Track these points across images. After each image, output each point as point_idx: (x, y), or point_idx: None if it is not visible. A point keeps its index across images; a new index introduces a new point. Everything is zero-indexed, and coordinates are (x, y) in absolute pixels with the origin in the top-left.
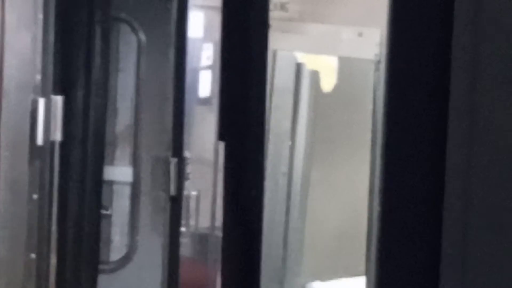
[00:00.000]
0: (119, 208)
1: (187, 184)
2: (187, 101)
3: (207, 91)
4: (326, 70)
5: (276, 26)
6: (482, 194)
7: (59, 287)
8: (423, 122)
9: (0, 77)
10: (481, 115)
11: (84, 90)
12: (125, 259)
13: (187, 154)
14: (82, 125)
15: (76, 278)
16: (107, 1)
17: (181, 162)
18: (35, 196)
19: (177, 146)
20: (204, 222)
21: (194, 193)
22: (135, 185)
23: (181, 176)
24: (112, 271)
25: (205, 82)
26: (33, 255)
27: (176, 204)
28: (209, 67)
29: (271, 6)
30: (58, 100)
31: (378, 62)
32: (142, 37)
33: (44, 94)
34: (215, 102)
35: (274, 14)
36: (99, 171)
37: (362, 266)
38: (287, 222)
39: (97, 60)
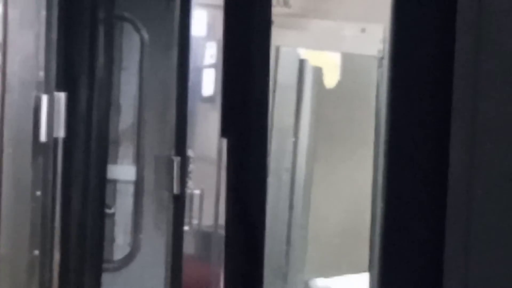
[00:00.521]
0: (122, 206)
1: (190, 182)
2: (190, 99)
3: (211, 90)
4: (329, 67)
5: (278, 22)
6: (485, 191)
7: (63, 284)
8: (426, 119)
9: (3, 74)
10: (484, 112)
11: (87, 86)
12: (129, 258)
13: (190, 152)
14: (82, 126)
15: (80, 277)
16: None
17: (184, 161)
18: (38, 193)
19: (180, 145)
20: (207, 221)
21: (197, 191)
22: (138, 184)
23: (184, 174)
24: (115, 269)
25: (208, 81)
26: (36, 252)
27: (179, 202)
28: (212, 66)
29: (274, 2)
30: (61, 97)
31: (381, 58)
32: (145, 35)
33: (47, 90)
34: (219, 101)
35: (276, 10)
36: (102, 169)
37: (365, 262)
38: (290, 218)
39: (99, 59)
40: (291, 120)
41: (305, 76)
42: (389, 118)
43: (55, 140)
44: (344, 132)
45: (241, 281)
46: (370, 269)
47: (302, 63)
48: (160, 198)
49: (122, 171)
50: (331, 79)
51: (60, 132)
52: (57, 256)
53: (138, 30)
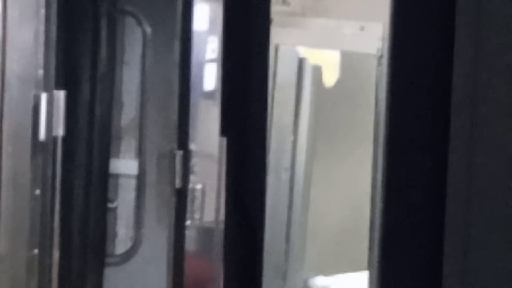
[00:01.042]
0: (124, 201)
1: (192, 177)
2: (192, 94)
3: (212, 84)
4: (329, 65)
5: (278, 20)
6: (484, 188)
7: (62, 282)
8: (425, 117)
9: (2, 72)
10: (484, 110)
11: (87, 84)
12: (131, 252)
13: (192, 147)
14: (85, 120)
15: (82, 271)
16: None
17: (187, 155)
18: (37, 192)
19: (182, 139)
20: (209, 215)
21: (199, 186)
22: (141, 178)
23: (186, 169)
24: (117, 264)
25: (210, 75)
26: (35, 251)
27: (181, 197)
28: (214, 60)
29: (273, 1)
30: (61, 95)
31: (381, 56)
32: (148, 29)
33: (46, 89)
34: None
35: (276, 9)
36: (104, 166)
37: (364, 260)
38: (289, 217)
39: (101, 53)
40: (290, 118)
41: (304, 75)
42: (388, 116)
43: (54, 139)
44: (343, 130)
45: (241, 280)
46: (369, 267)
47: (301, 61)
48: (162, 192)
49: (124, 165)
50: (330, 78)
51: (59, 131)
52: (56, 255)
53: (140, 24)
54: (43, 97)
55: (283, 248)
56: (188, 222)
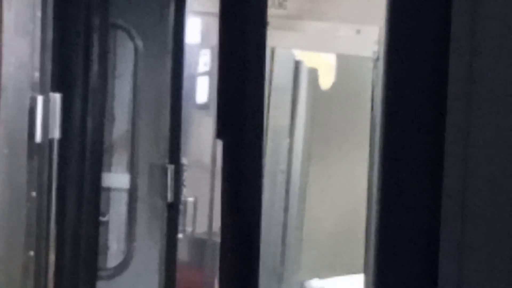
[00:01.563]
0: (116, 214)
1: (184, 190)
2: (184, 107)
3: (204, 97)
4: (325, 68)
5: (274, 23)
6: (480, 192)
7: (58, 285)
8: (421, 119)
9: None
10: (479, 112)
11: (82, 87)
12: (122, 266)
13: (184, 160)
14: (76, 133)
15: (75, 284)
16: (105, 7)
17: (178, 169)
18: (33, 194)
19: (174, 153)
20: (201, 228)
21: (191, 199)
22: (132, 192)
23: (178, 182)
24: (109, 277)
25: (202, 88)
26: (31, 253)
27: (173, 210)
28: (206, 73)
29: (269, 4)
30: (57, 98)
31: (376, 59)
32: (139, 43)
33: (43, 91)
34: (212, 108)
35: (272, 12)
36: (96, 179)
37: (360, 263)
38: (285, 219)
39: (93, 67)
40: (286, 121)
41: (300, 77)
42: (384, 119)
43: (50, 141)
44: (339, 133)
45: (236, 282)
46: (365, 270)
47: (297, 64)
48: (154, 206)
49: (116, 179)
50: (326, 80)
51: (55, 133)
52: (52, 256)
53: (132, 38)
54: (39, 100)
55: (279, 250)
56: (180, 235)
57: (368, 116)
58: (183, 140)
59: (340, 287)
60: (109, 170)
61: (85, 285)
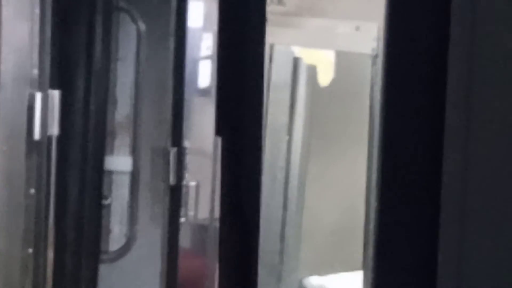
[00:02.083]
0: (118, 197)
1: (186, 174)
2: (186, 91)
3: (207, 81)
4: (324, 65)
5: (273, 20)
6: (479, 188)
7: (56, 282)
8: (420, 117)
9: None
10: (479, 110)
11: (81, 81)
12: (125, 249)
13: (186, 144)
14: (79, 117)
15: (77, 268)
16: None
17: (181, 152)
18: (32, 191)
19: (177, 136)
20: (203, 213)
21: (193, 183)
22: (135, 175)
23: (180, 165)
24: (111, 261)
25: (205, 72)
26: (30, 250)
27: (175, 193)
28: (209, 57)
29: (268, 0)
30: (55, 94)
31: (376, 56)
32: (142, 26)
33: (41, 88)
34: (215, 92)
35: (271, 8)
36: (98, 162)
37: (359, 260)
38: (284, 216)
39: (96, 50)
40: (285, 118)
41: (299, 74)
42: (383, 116)
43: (49, 138)
44: (338, 130)
45: (236, 280)
46: (364, 267)
47: (296, 61)
48: (156, 189)
49: (119, 162)
50: (325, 77)
51: (54, 130)
52: (51, 254)
53: (134, 21)
54: (38, 97)
55: (277, 247)
56: (182, 219)
57: (367, 113)
58: (185, 123)
59: (339, 284)
60: (111, 153)
61: (88, 269)
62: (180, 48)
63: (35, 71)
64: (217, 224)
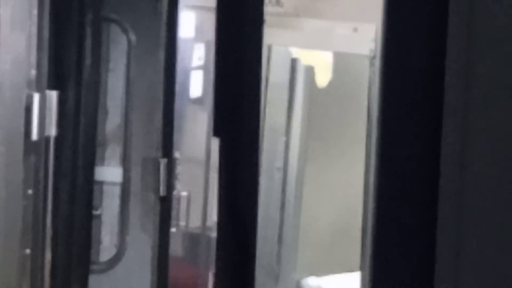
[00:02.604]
0: (108, 208)
1: (177, 184)
2: (177, 101)
3: (198, 92)
4: (321, 66)
5: (271, 21)
6: (476, 189)
7: (54, 283)
8: (418, 118)
9: None
10: (476, 111)
11: (72, 94)
12: (115, 260)
13: (177, 154)
14: (69, 127)
15: (67, 278)
16: (99, 1)
17: (171, 163)
18: (30, 192)
19: (167, 147)
20: (194, 223)
21: (184, 193)
22: (125, 186)
23: (170, 176)
24: (101, 271)
25: (196, 83)
26: (27, 251)
27: (165, 204)
28: (200, 67)
29: (266, 1)
30: (53, 95)
31: (373, 57)
32: (132, 37)
33: (39, 89)
34: (206, 103)
35: (269, 9)
36: (89, 173)
37: (357, 261)
38: (281, 217)
39: (86, 61)
40: (283, 119)
41: (297, 75)
42: (380, 117)
43: (47, 139)
44: (336, 131)
45: (232, 280)
46: (361, 268)
47: (294, 62)
48: (146, 200)
49: (109, 172)
50: (323, 78)
51: (52, 131)
52: (48, 255)
53: (125, 32)
54: (36, 97)
55: (275, 249)
56: (173, 230)
57: (365, 114)
58: (176, 134)
59: (337, 285)
60: (102, 164)
61: (79, 280)
62: (171, 58)
63: (33, 72)
64: (210, 233)
